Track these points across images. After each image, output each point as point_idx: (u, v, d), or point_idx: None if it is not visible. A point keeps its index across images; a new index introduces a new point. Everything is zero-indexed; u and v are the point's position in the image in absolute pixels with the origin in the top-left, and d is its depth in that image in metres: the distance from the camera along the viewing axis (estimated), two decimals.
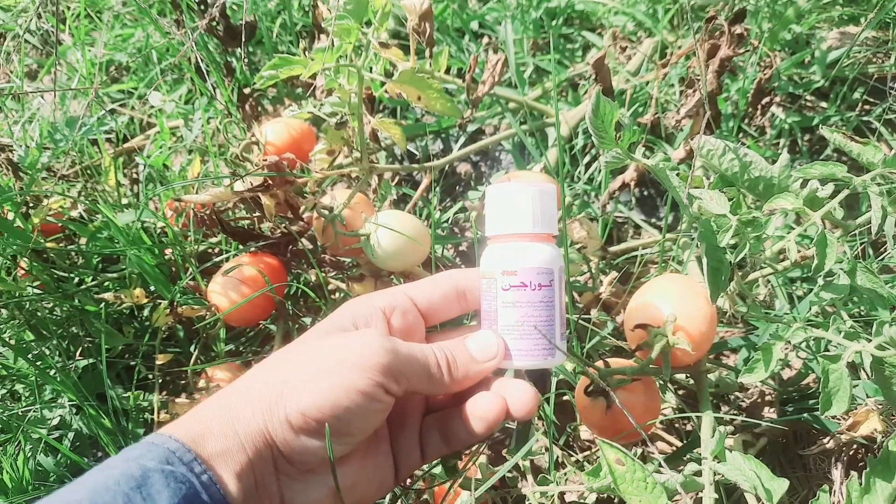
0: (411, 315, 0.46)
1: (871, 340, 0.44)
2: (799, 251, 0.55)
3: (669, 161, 0.44)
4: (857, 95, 1.02)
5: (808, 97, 1.06)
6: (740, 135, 1.01)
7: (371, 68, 0.74)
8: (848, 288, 0.49)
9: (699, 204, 0.45)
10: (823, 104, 1.05)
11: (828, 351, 0.49)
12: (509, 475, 0.73)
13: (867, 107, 1.03)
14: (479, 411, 0.42)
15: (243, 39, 0.85)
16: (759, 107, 0.75)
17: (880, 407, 0.66)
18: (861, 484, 0.47)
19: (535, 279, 0.43)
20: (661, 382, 0.74)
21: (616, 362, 0.64)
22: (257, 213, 0.73)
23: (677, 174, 0.51)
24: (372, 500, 0.44)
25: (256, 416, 0.38)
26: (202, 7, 0.87)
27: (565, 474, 0.67)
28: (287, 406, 0.38)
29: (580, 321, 0.72)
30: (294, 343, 0.43)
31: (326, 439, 0.38)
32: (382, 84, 0.73)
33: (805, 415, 0.72)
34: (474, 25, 1.18)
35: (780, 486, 0.41)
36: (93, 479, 0.34)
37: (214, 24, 0.86)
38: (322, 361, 0.39)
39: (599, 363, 0.64)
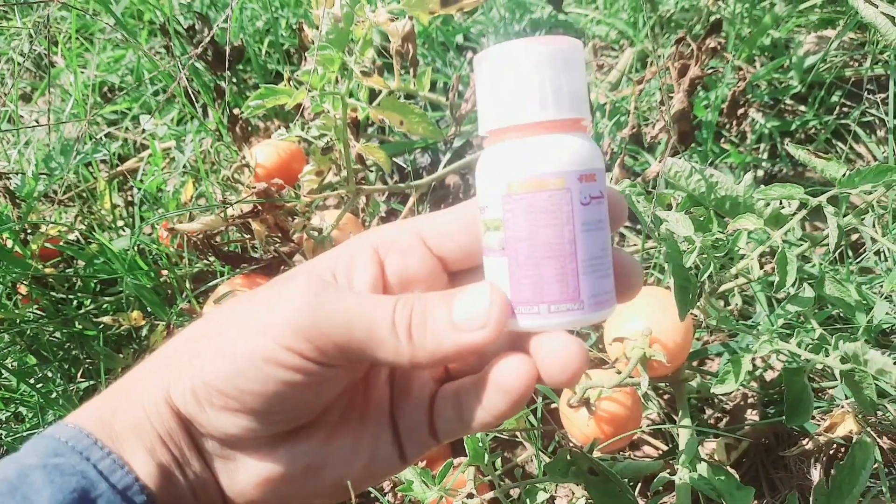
0: (416, 256, 0.34)
1: (828, 355, 0.46)
2: (768, 263, 0.57)
3: (636, 186, 0.46)
4: (835, 99, 1.04)
5: (788, 101, 1.08)
6: (721, 140, 1.03)
7: (355, 93, 0.77)
8: (812, 301, 0.51)
9: (665, 226, 0.47)
10: (803, 108, 1.07)
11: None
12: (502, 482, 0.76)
13: (846, 109, 1.05)
14: (501, 379, 0.30)
15: (232, 63, 0.87)
16: (735, 118, 0.77)
17: (856, 408, 0.68)
18: (827, 487, 0.49)
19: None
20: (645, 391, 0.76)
21: (597, 373, 0.66)
22: (248, 236, 0.75)
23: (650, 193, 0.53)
24: (362, 482, 0.35)
25: (160, 384, 0.32)
26: (191, 34, 0.89)
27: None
28: (193, 375, 0.32)
29: None
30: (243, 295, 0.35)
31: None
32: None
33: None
34: (459, 39, 1.20)
35: (745, 496, 0.44)
36: None
37: (203, 49, 0.88)
38: (237, 322, 0.32)
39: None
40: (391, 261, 0.35)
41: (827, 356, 0.45)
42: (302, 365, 0.30)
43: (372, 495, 0.74)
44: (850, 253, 0.90)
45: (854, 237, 0.93)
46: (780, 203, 0.51)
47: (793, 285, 0.53)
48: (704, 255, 0.48)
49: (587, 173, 0.30)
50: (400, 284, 0.35)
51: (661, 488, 0.68)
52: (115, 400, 0.33)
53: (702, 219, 0.54)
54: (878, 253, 0.86)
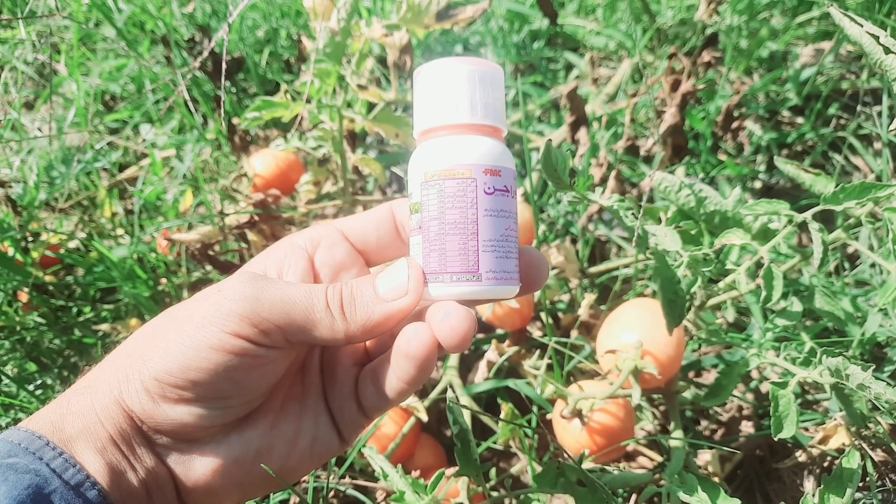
0: (340, 249, 0.40)
1: (814, 368, 0.46)
2: (756, 275, 0.58)
3: (623, 201, 0.46)
4: (832, 111, 1.05)
5: (785, 113, 1.09)
6: (718, 152, 1.03)
7: (354, 102, 0.77)
8: (799, 315, 0.51)
9: (654, 240, 0.48)
10: (800, 119, 1.07)
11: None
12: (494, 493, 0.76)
13: (843, 122, 1.05)
14: (405, 346, 0.34)
15: (231, 74, 0.88)
16: (730, 131, 0.78)
17: (848, 421, 0.68)
18: (816, 500, 0.49)
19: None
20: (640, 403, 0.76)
21: (590, 385, 0.67)
22: (245, 246, 0.76)
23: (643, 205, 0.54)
24: (308, 464, 0.39)
25: (112, 388, 0.35)
26: (191, 45, 0.90)
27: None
28: (142, 373, 0.34)
29: (557, 344, 0.75)
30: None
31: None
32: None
33: None
34: (458, 49, 1.20)
35: None
36: None
37: (203, 60, 0.89)
38: (180, 321, 0.35)
39: (574, 386, 0.66)
40: (320, 254, 0.39)
41: (815, 370, 0.46)
42: (247, 348, 0.33)
43: None
44: (846, 265, 0.90)
45: (850, 249, 0.93)
46: (769, 218, 0.52)
47: (784, 298, 0.53)
48: (691, 270, 0.49)
49: (493, 168, 0.34)
50: (331, 274, 0.39)
51: (655, 499, 0.68)
52: (65, 406, 0.35)
53: (693, 233, 0.54)
54: (873, 265, 0.86)
